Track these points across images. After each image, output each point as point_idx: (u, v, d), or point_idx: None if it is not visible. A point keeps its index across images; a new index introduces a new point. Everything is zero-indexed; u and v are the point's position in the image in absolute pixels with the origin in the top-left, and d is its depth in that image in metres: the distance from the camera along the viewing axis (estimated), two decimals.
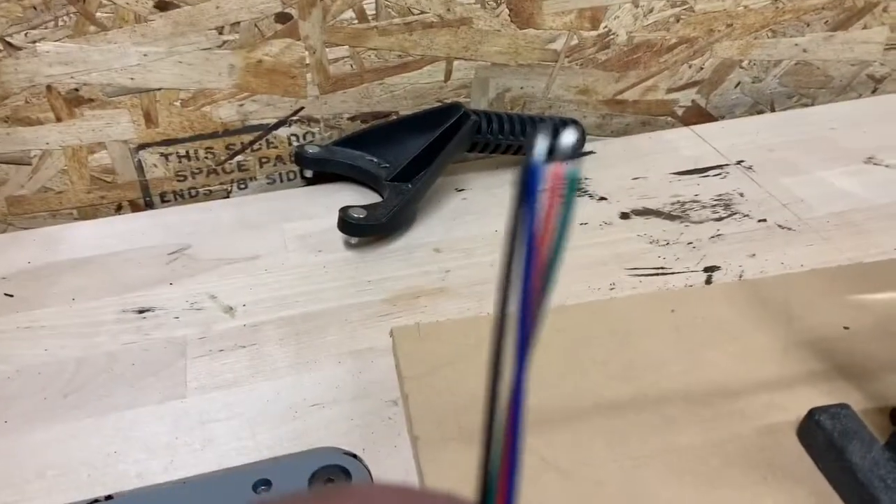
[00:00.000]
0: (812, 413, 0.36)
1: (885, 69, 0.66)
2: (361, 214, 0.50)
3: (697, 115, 0.65)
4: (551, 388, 0.39)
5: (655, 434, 0.37)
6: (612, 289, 0.47)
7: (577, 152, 0.59)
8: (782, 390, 0.39)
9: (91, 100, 0.52)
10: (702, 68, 0.62)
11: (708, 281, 0.47)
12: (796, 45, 0.63)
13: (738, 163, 0.59)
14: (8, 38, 0.48)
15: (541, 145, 0.13)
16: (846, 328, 0.42)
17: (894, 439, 0.34)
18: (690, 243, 0.51)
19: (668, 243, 0.51)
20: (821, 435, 0.35)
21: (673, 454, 0.36)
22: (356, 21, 0.53)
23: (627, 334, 0.42)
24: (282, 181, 0.59)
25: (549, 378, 0.39)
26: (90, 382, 0.42)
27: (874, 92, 0.68)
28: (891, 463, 0.33)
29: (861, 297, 0.45)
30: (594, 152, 0.61)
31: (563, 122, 0.58)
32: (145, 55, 0.51)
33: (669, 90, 0.63)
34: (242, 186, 0.58)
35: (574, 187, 0.13)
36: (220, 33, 0.52)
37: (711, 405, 0.38)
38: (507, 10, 0.56)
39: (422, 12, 0.54)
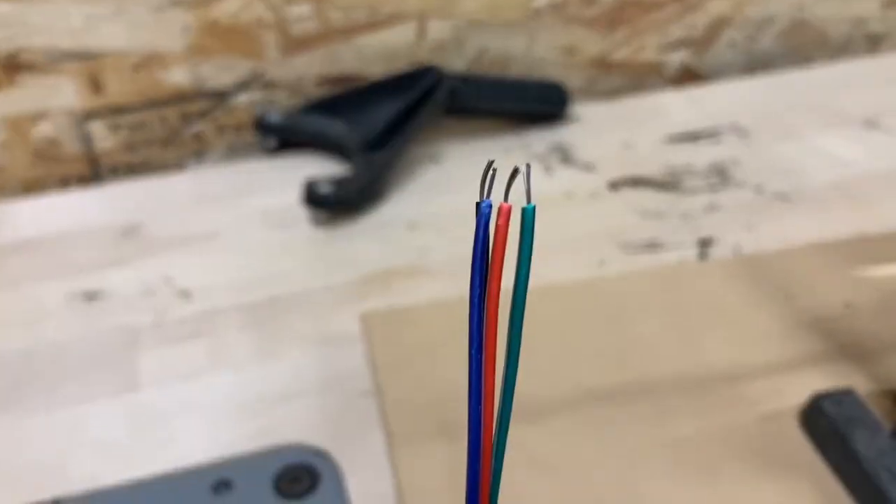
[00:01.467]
0: (815, 399, 0.33)
1: (883, 27, 0.63)
2: (329, 188, 0.46)
3: (689, 76, 0.62)
4: (540, 377, 0.36)
5: (650, 425, 0.34)
6: (601, 265, 0.44)
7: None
8: (783, 374, 0.36)
9: (32, 66, 0.47)
10: (693, 26, 0.59)
11: (703, 256, 0.44)
12: (791, 2, 0.60)
13: (733, 127, 0.55)
14: None
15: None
16: (848, 306, 0.40)
17: None
18: (683, 215, 0.47)
19: (659, 216, 0.47)
20: (824, 422, 0.33)
21: (669, 446, 0.33)
22: None
23: (619, 317, 0.39)
24: (242, 151, 0.55)
25: (539, 366, 0.36)
26: (37, 376, 0.38)
27: (871, 51, 0.64)
28: None
29: (863, 272, 0.42)
30: (580, 117, 0.57)
31: (546, 86, 0.54)
32: (90, 16, 0.47)
33: (660, 49, 0.59)
34: (200, 157, 0.54)
35: (530, 226, 0.13)
36: None
37: (708, 392, 0.35)
38: None
39: None
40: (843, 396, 0.33)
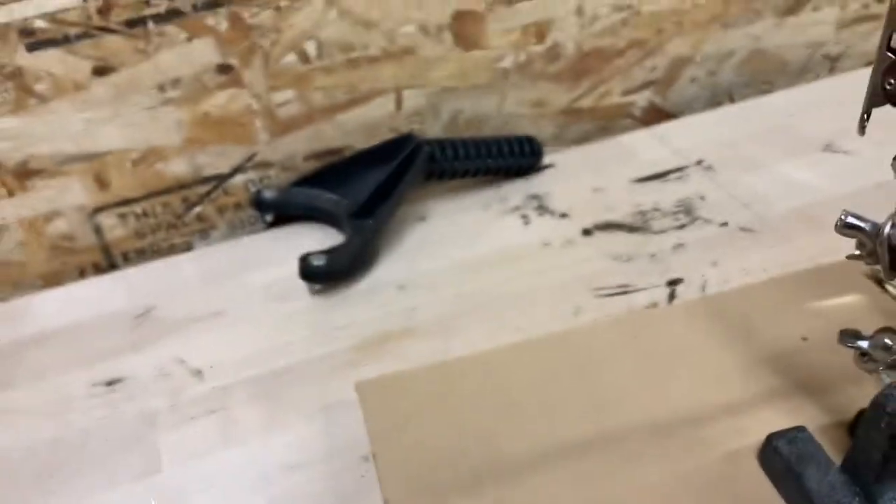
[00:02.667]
0: (769, 439, 0.36)
1: (839, 48, 0.66)
2: (322, 261, 0.50)
3: (656, 115, 0.65)
4: (519, 432, 0.39)
5: (621, 472, 0.37)
6: (576, 313, 0.47)
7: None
8: (743, 413, 0.39)
9: (41, 171, 0.52)
10: (655, 68, 0.62)
11: (671, 295, 0.48)
12: (748, 34, 0.63)
13: (698, 163, 0.59)
14: None
15: None
16: (805, 339, 0.42)
17: (849, 461, 0.34)
18: (653, 255, 0.51)
19: (630, 258, 0.51)
20: (779, 461, 0.35)
21: (639, 492, 0.36)
22: (299, 63, 0.53)
23: (591, 368, 0.42)
24: (243, 227, 0.59)
25: (518, 423, 0.40)
26: (65, 464, 0.42)
27: (831, 71, 0.67)
28: (846, 486, 0.34)
29: (818, 303, 0.45)
30: (553, 165, 0.60)
31: (519, 140, 0.58)
32: (90, 121, 0.51)
33: (624, 93, 0.63)
34: (204, 237, 0.58)
35: None
36: (162, 91, 0.51)
37: (675, 435, 0.38)
38: (450, 35, 0.55)
39: (364, 47, 0.54)
40: (795, 435, 0.36)
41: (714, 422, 0.39)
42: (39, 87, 0.49)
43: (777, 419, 0.38)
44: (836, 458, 0.35)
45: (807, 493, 0.34)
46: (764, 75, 0.66)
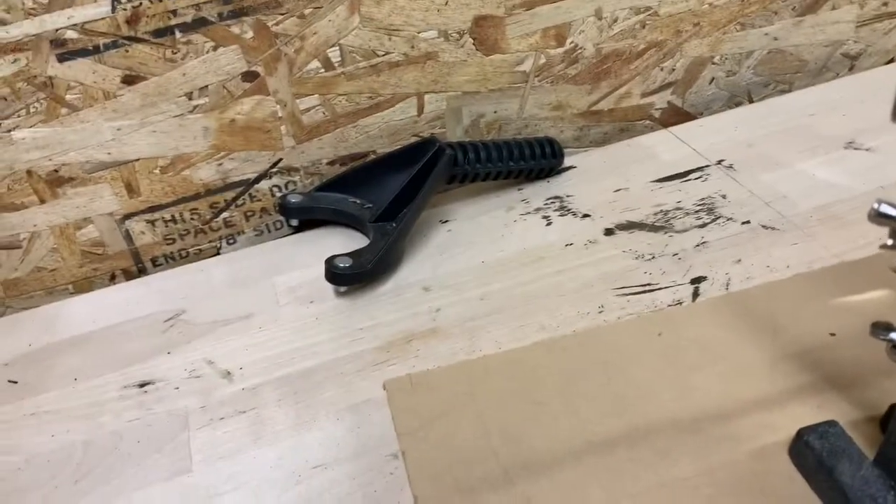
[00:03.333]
0: (801, 434, 0.36)
1: (859, 46, 0.66)
2: (347, 263, 0.50)
3: (675, 115, 0.65)
4: (545, 429, 0.40)
5: (648, 469, 0.37)
6: (600, 311, 0.47)
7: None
8: (772, 409, 0.39)
9: (72, 178, 0.53)
10: (674, 69, 0.62)
11: (695, 293, 0.48)
12: (766, 34, 0.63)
13: (719, 162, 0.59)
14: None
15: None
16: (832, 335, 0.42)
17: (882, 455, 0.34)
18: (676, 254, 0.51)
19: (653, 257, 0.51)
20: (810, 455, 0.35)
21: (666, 488, 0.36)
22: (323, 70, 0.54)
23: (616, 365, 0.43)
24: (269, 231, 0.60)
25: (543, 419, 0.40)
26: (98, 465, 0.43)
27: (851, 70, 0.67)
28: (880, 480, 0.34)
29: (846, 299, 0.45)
30: (574, 167, 0.61)
31: (540, 143, 0.58)
32: (119, 129, 0.52)
33: (644, 95, 0.63)
34: (231, 241, 0.59)
35: None
36: (190, 98, 0.52)
37: (702, 432, 0.39)
38: (470, 40, 0.56)
39: (386, 53, 0.54)
40: (827, 429, 0.36)
41: (742, 417, 0.39)
42: (70, 97, 0.50)
43: (807, 414, 0.38)
44: (869, 453, 0.35)
45: (840, 488, 0.34)
46: (783, 75, 0.66)
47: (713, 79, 0.64)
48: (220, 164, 0.55)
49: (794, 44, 0.64)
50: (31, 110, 0.49)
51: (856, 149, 0.58)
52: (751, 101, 0.66)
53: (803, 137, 0.60)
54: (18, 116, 0.49)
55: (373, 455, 0.41)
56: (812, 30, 0.64)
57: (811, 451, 0.35)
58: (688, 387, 0.41)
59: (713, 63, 0.63)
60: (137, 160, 0.53)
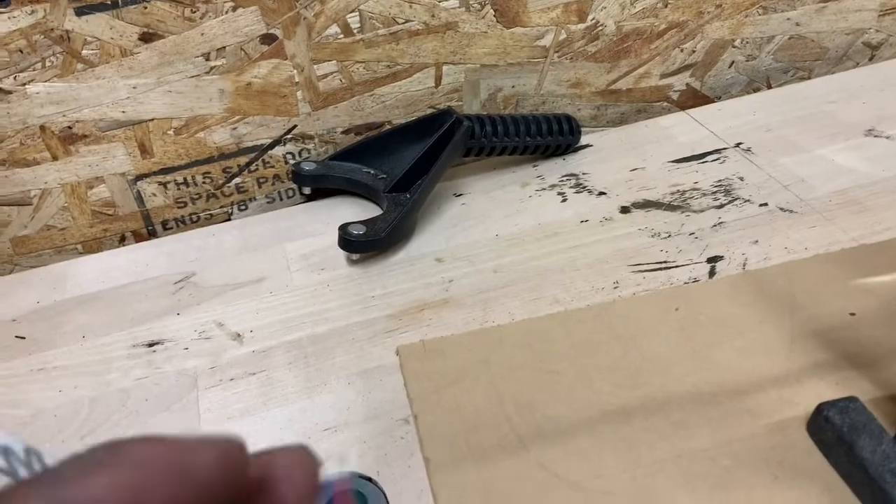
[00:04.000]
0: (820, 408, 0.36)
1: (880, 35, 0.65)
2: (361, 231, 0.50)
3: (693, 98, 0.64)
4: (560, 398, 0.39)
5: (665, 440, 0.37)
6: (615, 287, 0.47)
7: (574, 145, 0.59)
8: (790, 385, 0.39)
9: (85, 136, 0.52)
10: (694, 51, 0.62)
11: (711, 272, 0.47)
12: (788, 19, 0.62)
13: (737, 145, 0.58)
14: None
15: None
16: (852, 314, 0.42)
17: None
18: (692, 234, 0.50)
19: (669, 235, 0.50)
20: (830, 430, 0.35)
21: (683, 459, 0.36)
22: (342, 36, 0.53)
23: (632, 337, 0.42)
24: (281, 199, 0.59)
25: (559, 390, 0.40)
26: (105, 421, 0.42)
27: (871, 59, 0.67)
28: None
29: (866, 280, 0.44)
30: (591, 145, 0.60)
31: (557, 119, 0.58)
32: (134, 87, 0.51)
33: (663, 76, 0.62)
34: (243, 208, 0.58)
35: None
36: (207, 59, 0.51)
37: (720, 405, 0.38)
38: (492, 11, 0.55)
39: (406, 21, 0.54)
40: (847, 404, 0.36)
41: (760, 392, 0.39)
42: (87, 52, 0.49)
43: (825, 391, 0.38)
44: (889, 431, 0.34)
45: (860, 463, 0.33)
46: (803, 62, 0.65)
47: (733, 63, 0.63)
48: (235, 128, 0.55)
49: (815, 30, 0.63)
50: (47, 64, 0.49)
51: (876, 136, 0.57)
52: (769, 87, 0.65)
53: (823, 124, 0.59)
54: (34, 70, 0.49)
55: (384, 419, 0.41)
56: (834, 17, 0.63)
57: (831, 426, 0.35)
58: (705, 361, 0.40)
59: (734, 46, 0.62)
60: (152, 120, 0.53)
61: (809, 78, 0.65)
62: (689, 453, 0.36)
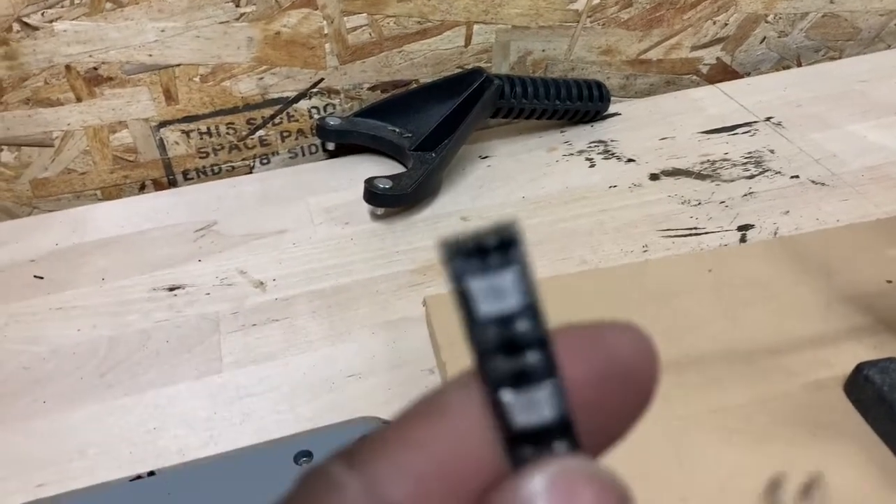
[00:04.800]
0: (860, 368, 0.35)
1: None
2: (387, 185, 0.49)
3: (723, 73, 0.64)
4: None
5: (700, 394, 0.36)
6: (645, 251, 0.46)
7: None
8: (827, 346, 0.38)
9: (110, 78, 0.51)
10: (726, 24, 0.61)
11: (742, 240, 0.47)
12: None
13: (767, 119, 0.58)
14: (25, 18, 0.48)
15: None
16: (889, 282, 0.41)
17: None
18: (723, 202, 0.50)
19: (699, 203, 0.50)
20: (870, 389, 0.35)
21: (718, 413, 0.35)
22: None
23: (665, 296, 0.42)
24: (304, 155, 0.58)
25: None
26: (125, 361, 0.42)
27: None
28: None
29: None
30: (619, 114, 0.60)
31: (588, 84, 0.57)
32: (163, 31, 0.50)
33: (694, 48, 0.62)
34: (265, 161, 0.58)
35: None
36: (238, 6, 0.51)
37: (755, 364, 0.38)
38: None
39: None
40: (887, 364, 0.35)
41: (796, 352, 0.38)
42: None
43: (863, 353, 0.37)
44: None
45: None
46: (834, 41, 0.65)
47: (765, 38, 0.63)
48: (261, 79, 0.54)
49: (849, 9, 0.63)
50: (76, 2, 0.48)
51: None
52: (799, 66, 0.65)
53: (854, 102, 0.59)
54: (62, 7, 0.48)
55: (408, 368, 0.40)
56: None
57: (871, 385, 0.34)
58: (740, 321, 0.40)
59: (766, 21, 0.62)
60: (178, 65, 0.52)
61: (840, 58, 0.65)
62: (724, 408, 0.35)
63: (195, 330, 0.43)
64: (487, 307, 0.12)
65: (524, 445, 0.13)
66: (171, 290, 0.46)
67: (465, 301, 0.13)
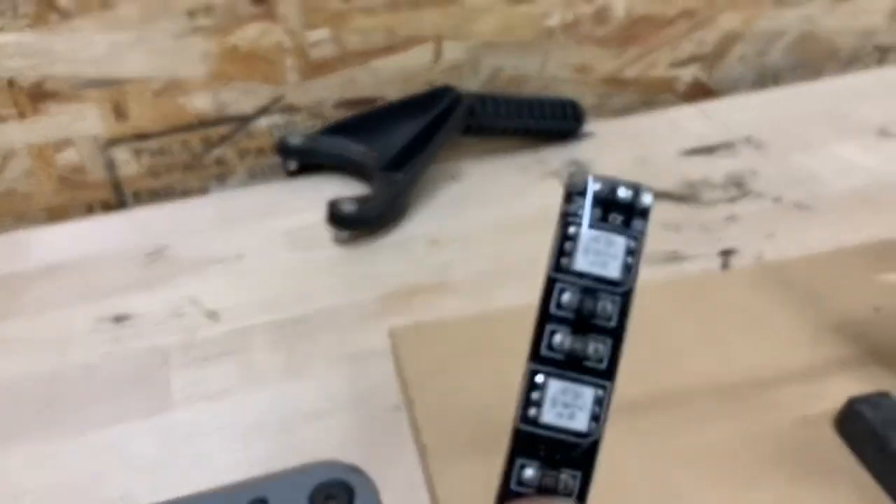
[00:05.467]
0: (852, 402, 0.33)
1: (890, 39, 0.64)
2: (352, 207, 0.47)
3: (700, 92, 0.62)
4: None
5: (683, 432, 0.34)
6: None
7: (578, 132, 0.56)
8: (815, 378, 0.36)
9: (56, 94, 0.48)
10: (704, 42, 0.60)
11: (725, 265, 0.45)
12: (801, 15, 0.60)
13: (747, 140, 0.56)
14: None
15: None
16: (877, 309, 0.40)
17: None
18: (704, 226, 0.48)
19: (679, 227, 0.48)
20: (862, 425, 0.33)
21: (703, 452, 0.33)
22: (338, 0, 0.50)
23: (645, 327, 0.39)
24: (263, 174, 0.55)
25: None
26: (67, 398, 0.38)
27: (880, 63, 0.65)
28: None
29: (890, 275, 0.42)
30: (594, 133, 0.58)
31: (561, 103, 0.55)
32: (113, 44, 0.48)
33: (671, 66, 0.60)
34: (221, 182, 0.55)
35: None
36: (193, 18, 0.48)
37: (742, 398, 0.35)
38: None
39: None
40: (879, 400, 0.33)
41: (783, 386, 0.36)
42: (63, 2, 0.45)
43: (853, 386, 0.35)
44: None
45: (894, 459, 0.31)
46: (812, 60, 0.63)
47: (742, 57, 0.61)
48: (218, 95, 0.51)
49: (827, 29, 0.62)
50: (19, 12, 0.45)
51: (889, 136, 0.56)
52: (777, 85, 0.64)
53: (835, 122, 0.57)
54: (3, 17, 0.45)
55: (372, 406, 0.37)
56: (846, 16, 0.61)
57: (863, 422, 0.32)
58: (724, 352, 0.38)
59: (744, 40, 0.60)
60: (129, 81, 0.49)
61: (818, 77, 0.63)
62: (709, 447, 0.33)
63: (143, 364, 0.40)
64: (585, 263, 0.12)
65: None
66: (118, 320, 0.43)
67: (565, 240, 0.12)
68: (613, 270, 0.12)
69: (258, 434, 0.36)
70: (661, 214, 0.49)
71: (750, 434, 0.34)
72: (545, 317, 0.13)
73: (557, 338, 0.13)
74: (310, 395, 0.38)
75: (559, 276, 0.12)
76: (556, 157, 0.55)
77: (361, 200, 0.47)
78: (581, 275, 0.12)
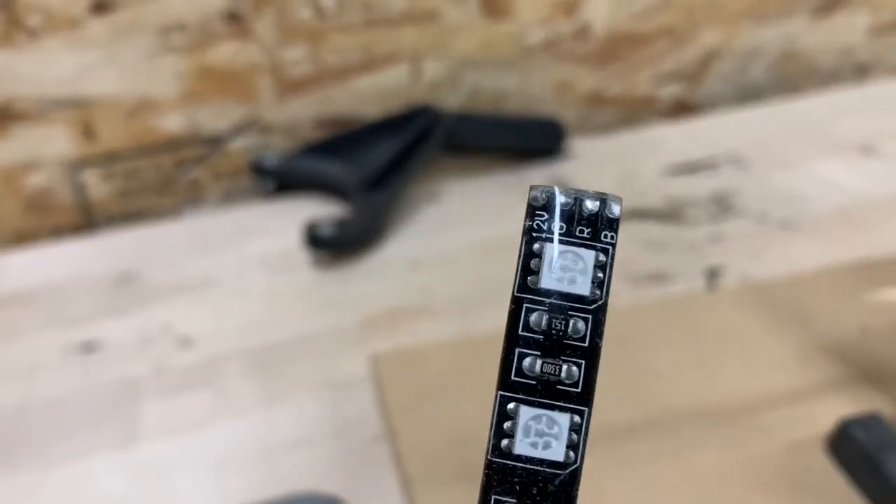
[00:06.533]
0: (843, 425, 0.33)
1: (869, 56, 0.64)
2: (330, 229, 0.45)
3: (681, 109, 0.62)
4: None
5: (672, 459, 0.33)
6: None
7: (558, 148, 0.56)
8: (804, 401, 0.35)
9: (23, 115, 0.47)
10: (685, 60, 0.59)
11: (710, 285, 0.44)
12: (781, 33, 0.60)
13: (730, 158, 0.55)
14: None
15: None
16: (864, 330, 0.39)
17: None
18: (688, 245, 0.47)
19: (664, 247, 0.47)
20: (855, 448, 0.32)
21: (692, 480, 0.32)
22: (315, 18, 0.49)
23: (632, 348, 0.38)
24: (239, 197, 0.54)
25: None
26: (33, 432, 0.37)
27: (859, 80, 0.65)
28: None
29: (876, 295, 0.41)
30: (576, 152, 0.57)
31: (542, 121, 0.54)
32: (82, 64, 0.46)
33: (652, 84, 0.60)
34: (196, 204, 0.53)
35: None
36: (165, 36, 0.47)
37: (730, 422, 0.35)
38: (476, 3, 0.52)
39: (385, 8, 0.50)
40: (871, 421, 0.32)
41: (772, 409, 0.35)
42: (31, 21, 0.44)
43: (842, 407, 0.34)
44: None
45: (889, 481, 0.30)
46: (792, 78, 0.63)
47: (724, 74, 0.61)
48: (191, 115, 0.50)
49: (807, 47, 0.62)
50: None
51: (871, 155, 0.55)
52: (758, 102, 0.63)
53: (816, 140, 0.57)
54: None
55: (352, 436, 0.36)
56: (825, 34, 0.61)
57: (855, 444, 0.32)
58: (711, 375, 0.37)
59: (725, 58, 0.60)
60: (100, 101, 0.48)
61: (800, 94, 0.63)
62: (698, 474, 0.32)
63: (112, 395, 0.39)
64: (551, 281, 0.11)
65: None
66: (87, 348, 0.41)
67: (530, 257, 0.12)
68: (583, 287, 0.12)
69: (234, 467, 0.35)
70: (645, 234, 0.48)
71: (740, 460, 0.33)
72: (513, 340, 0.12)
73: (527, 361, 0.12)
74: (288, 425, 0.37)
75: (525, 295, 0.11)
76: (538, 175, 0.54)
77: (339, 222, 0.46)
78: (549, 293, 0.11)
